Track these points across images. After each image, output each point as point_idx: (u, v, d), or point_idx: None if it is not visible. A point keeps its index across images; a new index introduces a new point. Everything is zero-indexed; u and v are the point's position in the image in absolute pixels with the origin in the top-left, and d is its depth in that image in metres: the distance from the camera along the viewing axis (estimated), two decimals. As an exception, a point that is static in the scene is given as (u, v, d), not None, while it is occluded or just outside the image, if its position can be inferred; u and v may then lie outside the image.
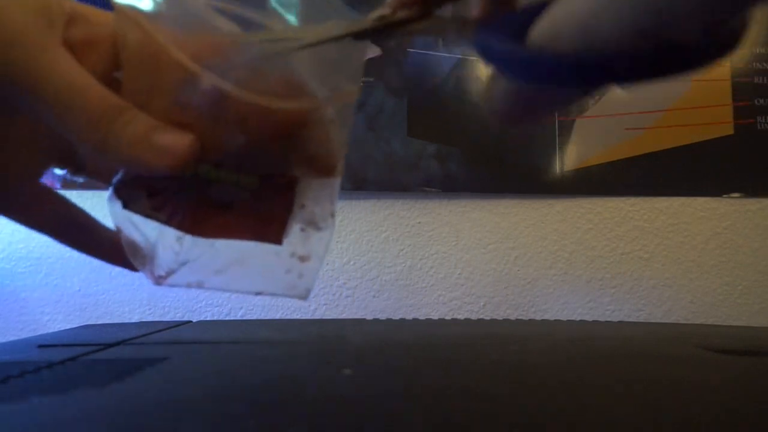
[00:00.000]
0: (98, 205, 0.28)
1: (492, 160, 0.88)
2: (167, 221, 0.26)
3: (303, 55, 0.26)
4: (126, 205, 0.26)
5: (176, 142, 0.23)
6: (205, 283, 0.28)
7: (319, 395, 0.21)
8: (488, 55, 0.17)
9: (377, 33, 0.21)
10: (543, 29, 0.15)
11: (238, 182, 0.26)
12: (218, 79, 0.23)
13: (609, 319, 0.75)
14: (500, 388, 0.22)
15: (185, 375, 0.25)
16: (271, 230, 0.26)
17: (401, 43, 0.98)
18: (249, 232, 0.26)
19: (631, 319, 0.78)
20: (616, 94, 0.82)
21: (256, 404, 0.19)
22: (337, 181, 0.27)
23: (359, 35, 0.21)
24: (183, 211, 0.26)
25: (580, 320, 0.61)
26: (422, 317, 0.56)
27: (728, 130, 0.81)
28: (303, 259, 0.27)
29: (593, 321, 0.59)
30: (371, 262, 0.82)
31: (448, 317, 0.59)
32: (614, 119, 0.82)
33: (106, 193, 0.27)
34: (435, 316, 0.83)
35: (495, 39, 0.17)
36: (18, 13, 0.22)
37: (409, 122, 0.95)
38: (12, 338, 0.43)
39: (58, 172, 0.30)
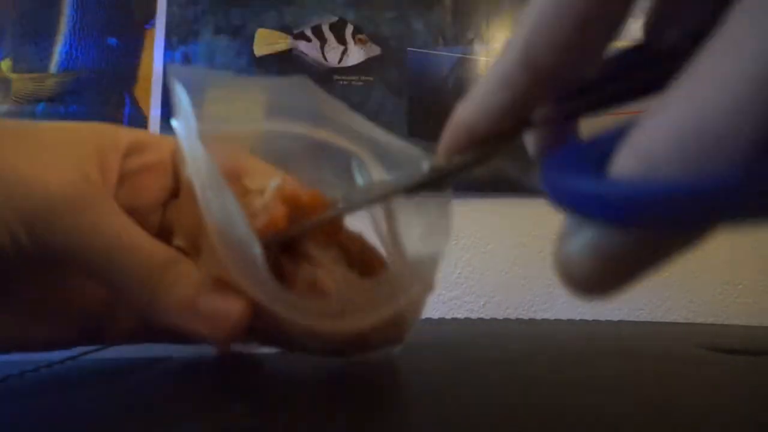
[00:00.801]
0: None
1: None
2: None
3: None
4: None
5: (225, 310, 0.20)
6: None
7: (319, 395, 0.21)
8: (559, 195, 0.13)
9: (432, 186, 0.18)
10: (633, 154, 0.11)
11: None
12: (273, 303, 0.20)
13: (609, 319, 0.75)
14: (500, 388, 0.22)
15: (186, 374, 0.25)
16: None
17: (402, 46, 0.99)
18: None
19: (631, 319, 0.78)
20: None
21: (255, 404, 0.19)
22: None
23: (412, 191, 0.19)
24: None
25: (581, 320, 0.61)
26: (422, 317, 0.56)
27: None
28: None
29: (593, 320, 0.59)
30: (371, 261, 0.82)
31: (448, 316, 0.59)
32: (614, 119, 0.82)
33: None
34: (435, 315, 0.83)
35: (566, 172, 0.13)
36: (64, 168, 0.20)
37: (409, 122, 0.95)
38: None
39: None
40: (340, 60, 0.97)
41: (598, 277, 0.13)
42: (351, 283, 0.23)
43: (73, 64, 0.96)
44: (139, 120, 0.95)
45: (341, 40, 0.97)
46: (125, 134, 0.24)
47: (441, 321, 0.53)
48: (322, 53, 0.97)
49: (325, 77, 0.95)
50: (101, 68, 0.96)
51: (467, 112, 0.17)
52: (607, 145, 0.13)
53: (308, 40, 0.97)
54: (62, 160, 0.20)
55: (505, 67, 0.15)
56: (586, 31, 0.14)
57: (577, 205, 0.12)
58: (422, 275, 0.25)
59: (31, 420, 0.17)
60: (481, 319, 0.59)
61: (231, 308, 0.20)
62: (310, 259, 0.24)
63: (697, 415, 0.19)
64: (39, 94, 0.95)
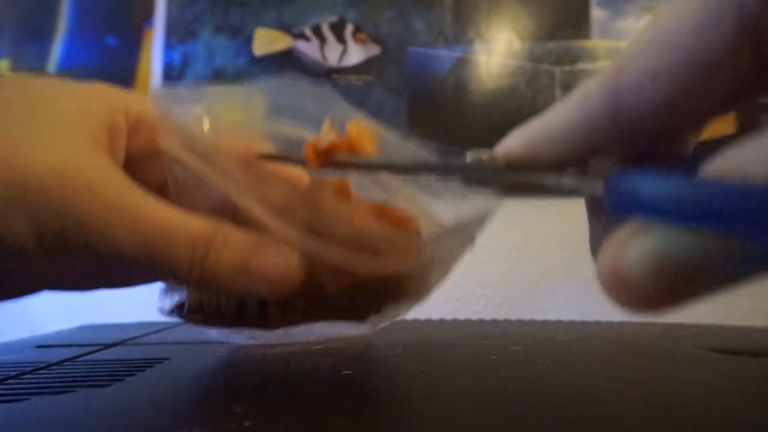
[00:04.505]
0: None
1: (492, 159, 0.87)
2: (234, 324, 0.25)
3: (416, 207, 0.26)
4: (185, 320, 0.27)
5: (281, 267, 0.20)
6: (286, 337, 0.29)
7: (319, 395, 0.20)
8: (634, 196, 0.12)
9: (467, 174, 0.17)
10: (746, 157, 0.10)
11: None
12: (305, 241, 0.21)
13: (609, 319, 0.75)
14: (501, 389, 0.22)
15: (185, 375, 0.25)
16: (353, 316, 0.26)
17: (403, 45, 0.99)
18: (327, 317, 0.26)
19: (631, 320, 0.78)
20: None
21: (255, 404, 0.19)
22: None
23: (448, 173, 0.18)
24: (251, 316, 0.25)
25: (581, 320, 0.61)
26: (422, 317, 0.56)
27: (729, 129, 0.81)
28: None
29: (594, 321, 0.59)
30: (371, 261, 0.82)
31: (448, 317, 0.58)
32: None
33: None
34: (435, 316, 0.83)
35: (644, 175, 0.12)
36: (78, 157, 0.19)
37: (409, 121, 0.95)
38: (10, 338, 0.43)
39: None
40: (340, 59, 0.97)
41: (658, 289, 0.12)
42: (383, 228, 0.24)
43: (72, 63, 0.96)
44: (139, 120, 0.95)
45: (341, 40, 0.97)
46: (135, 107, 0.23)
47: (442, 322, 0.53)
48: (322, 53, 0.97)
49: (325, 77, 0.95)
50: (100, 68, 0.96)
51: (533, 132, 0.15)
52: (685, 169, 0.12)
53: (308, 39, 0.97)
54: (73, 140, 0.19)
55: (589, 104, 0.13)
56: (686, 92, 0.12)
57: (657, 205, 0.11)
58: (464, 230, 0.25)
59: (29, 421, 0.17)
60: (481, 320, 0.59)
61: (286, 263, 0.20)
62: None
63: (697, 415, 0.18)
64: (38, 94, 0.95)
